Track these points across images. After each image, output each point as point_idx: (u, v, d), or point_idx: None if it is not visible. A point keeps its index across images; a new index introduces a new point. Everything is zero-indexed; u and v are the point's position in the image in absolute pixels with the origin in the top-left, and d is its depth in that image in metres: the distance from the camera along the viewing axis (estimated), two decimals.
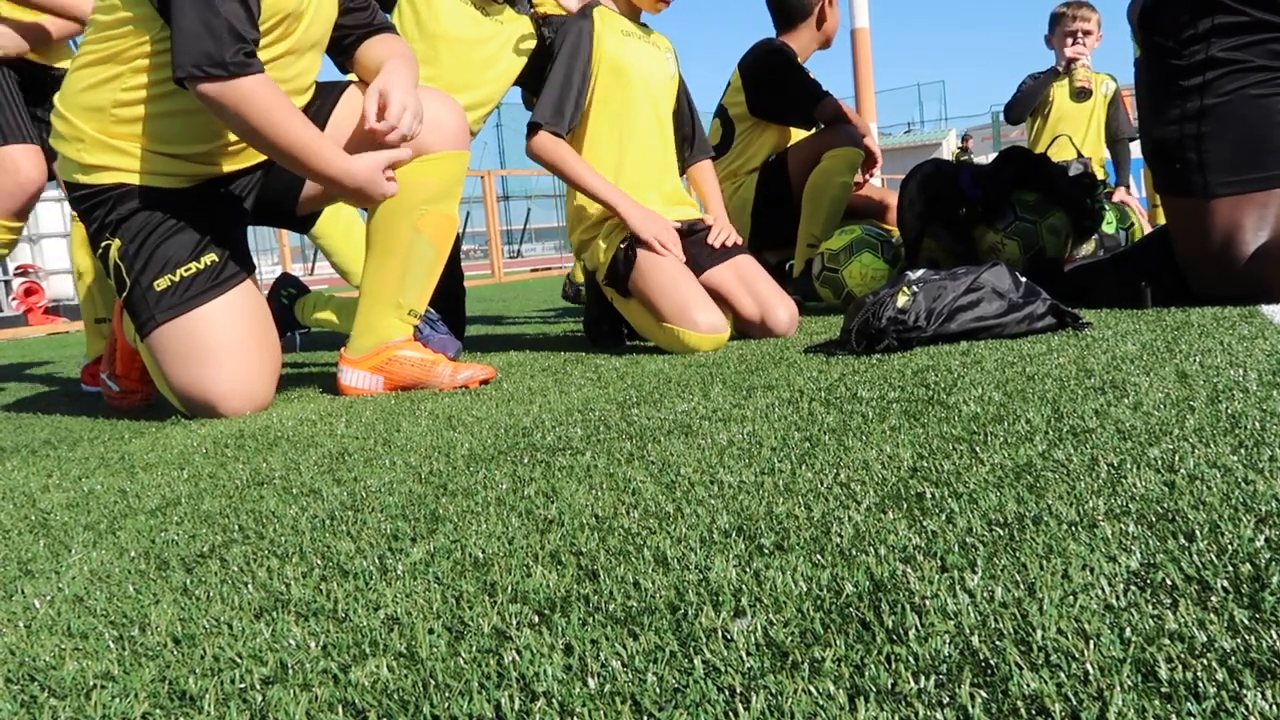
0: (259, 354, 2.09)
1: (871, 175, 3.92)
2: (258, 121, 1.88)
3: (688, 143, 2.92)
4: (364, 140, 2.08)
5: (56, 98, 2.09)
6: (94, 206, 2.07)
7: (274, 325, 2.20)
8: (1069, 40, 4.72)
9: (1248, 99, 2.28)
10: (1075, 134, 4.59)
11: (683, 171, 2.95)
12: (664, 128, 2.76)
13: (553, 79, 2.62)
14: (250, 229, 2.41)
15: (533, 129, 2.61)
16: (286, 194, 2.26)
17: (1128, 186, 4.86)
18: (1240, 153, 2.29)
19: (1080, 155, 3.84)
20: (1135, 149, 5.13)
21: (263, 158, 2.18)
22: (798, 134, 3.81)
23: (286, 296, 3.32)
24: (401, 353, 2.19)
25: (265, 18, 1.95)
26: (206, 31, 1.82)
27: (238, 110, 1.87)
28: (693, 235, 2.71)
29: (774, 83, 3.71)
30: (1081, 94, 4.66)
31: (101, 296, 3.00)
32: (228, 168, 2.15)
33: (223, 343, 2.04)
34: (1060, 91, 4.79)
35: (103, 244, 2.07)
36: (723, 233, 2.70)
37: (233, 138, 2.09)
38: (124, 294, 2.07)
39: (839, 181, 3.49)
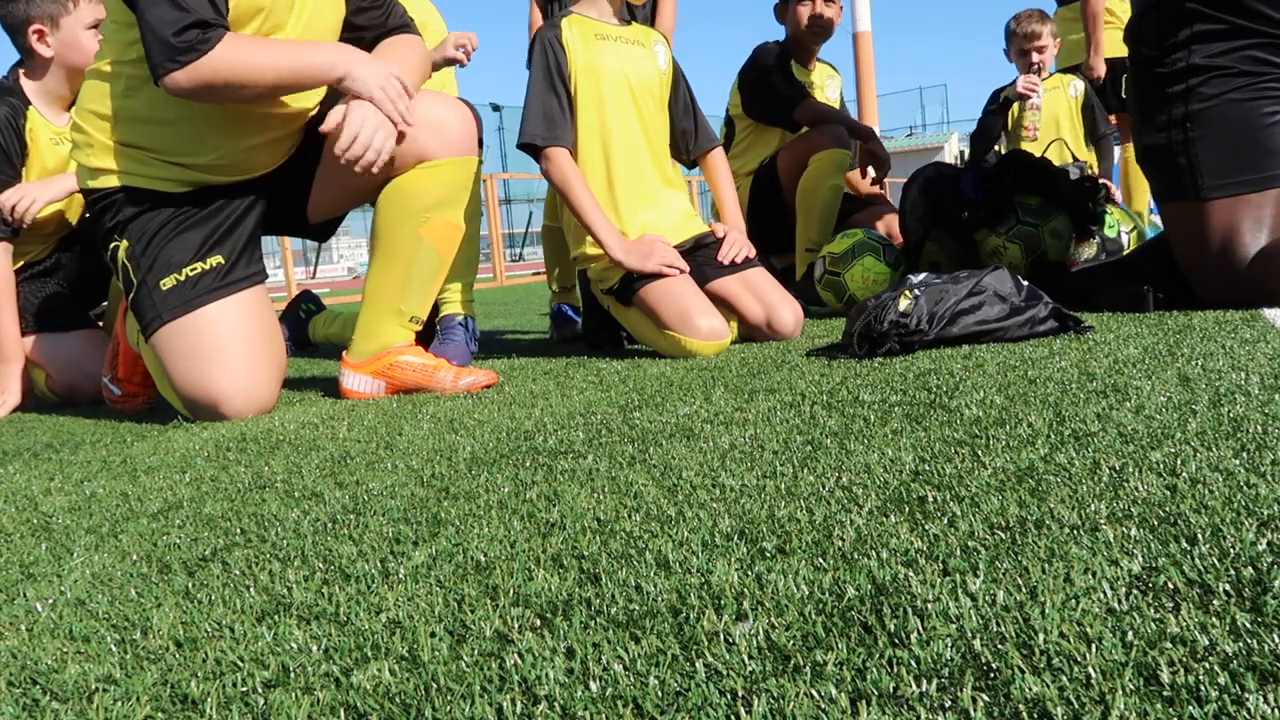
0: (263, 356, 2.09)
1: (881, 177, 3.91)
2: (243, 79, 1.88)
3: (691, 135, 2.84)
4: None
5: (73, 109, 2.11)
6: (103, 210, 2.09)
7: (280, 331, 2.20)
8: (1022, 60, 4.69)
9: (1232, 103, 2.30)
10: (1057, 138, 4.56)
11: (692, 165, 2.90)
12: (651, 129, 2.68)
13: (532, 96, 2.55)
14: None
15: (534, 150, 2.54)
16: (295, 200, 2.26)
17: (1109, 182, 4.84)
18: (1230, 155, 2.30)
19: (1076, 159, 3.82)
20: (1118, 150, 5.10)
21: (268, 169, 2.19)
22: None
23: (305, 312, 3.35)
24: (403, 358, 2.19)
25: (238, 15, 1.94)
26: (165, 25, 1.82)
27: (216, 83, 1.87)
28: (700, 250, 2.68)
29: (757, 84, 3.74)
30: (1028, 139, 4.60)
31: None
32: (232, 178, 2.16)
33: (227, 343, 2.04)
34: (1024, 112, 4.73)
35: (111, 245, 2.09)
36: (733, 248, 2.66)
37: (239, 148, 2.10)
38: (131, 294, 2.08)
39: (828, 185, 3.49)
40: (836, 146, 3.48)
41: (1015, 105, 4.63)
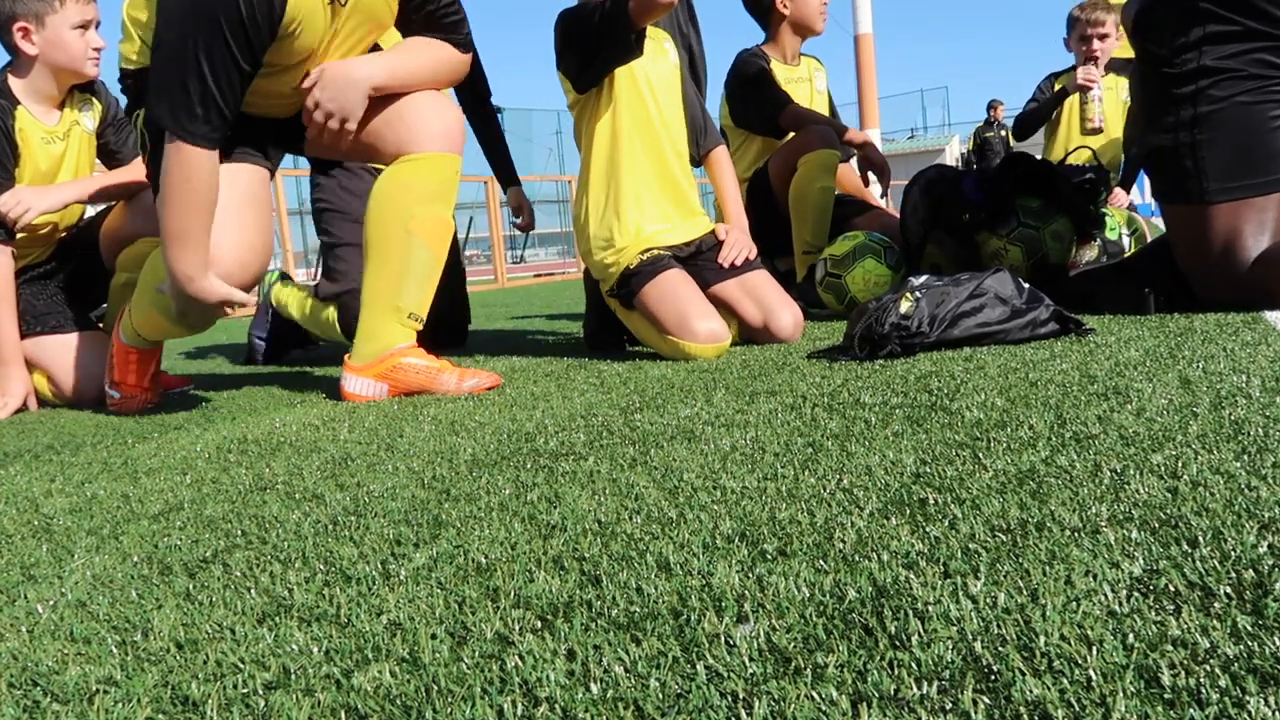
0: (255, 224, 2.12)
1: (885, 186, 3.92)
2: (169, 188, 1.94)
3: (702, 130, 2.82)
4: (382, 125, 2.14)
5: (126, 5, 2.14)
6: (137, 84, 2.12)
7: (270, 217, 2.23)
8: (1083, 48, 4.68)
9: (1240, 105, 2.29)
10: (1105, 138, 4.53)
11: (698, 163, 2.86)
12: (671, 125, 2.65)
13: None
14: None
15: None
16: (296, 133, 2.26)
17: (1127, 189, 4.83)
18: (1236, 158, 2.29)
19: (1100, 164, 3.78)
20: None
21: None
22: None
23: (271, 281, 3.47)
24: (406, 360, 2.19)
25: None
26: (172, 96, 1.89)
27: (167, 166, 1.93)
28: (700, 255, 2.67)
29: (742, 95, 3.77)
30: (1093, 132, 4.58)
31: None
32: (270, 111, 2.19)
33: (225, 201, 2.04)
34: (1073, 109, 4.71)
35: (135, 114, 2.12)
36: (733, 250, 2.66)
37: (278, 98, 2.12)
38: (149, 152, 2.08)
39: (818, 187, 3.50)
40: (824, 147, 3.49)
41: (1075, 97, 4.61)
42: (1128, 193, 4.70)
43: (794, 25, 3.81)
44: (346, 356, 2.25)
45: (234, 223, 2.08)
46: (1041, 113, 4.79)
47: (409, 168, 2.13)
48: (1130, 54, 4.81)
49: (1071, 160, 4.05)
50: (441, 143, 2.16)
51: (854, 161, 4.00)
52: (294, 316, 3.27)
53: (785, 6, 3.76)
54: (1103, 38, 4.68)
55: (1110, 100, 4.78)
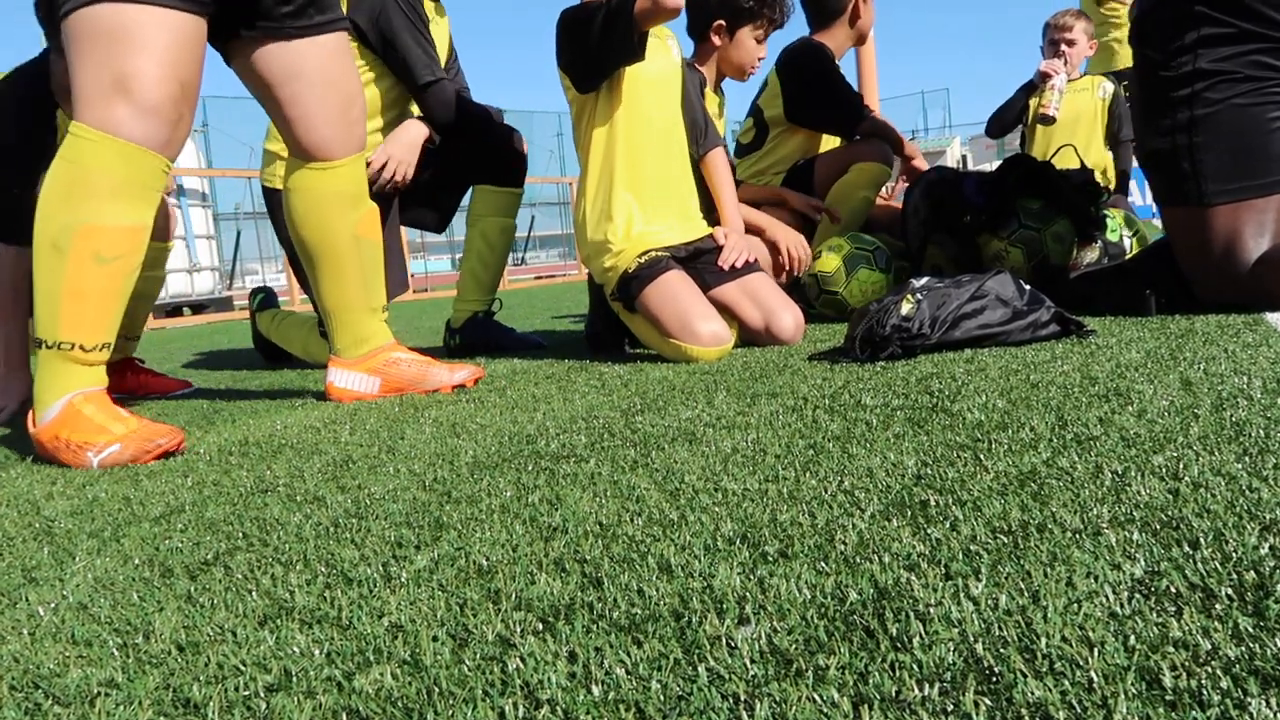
0: (190, 58, 1.83)
1: (893, 194, 3.94)
2: None
3: (702, 131, 2.80)
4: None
5: None
6: None
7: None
8: (1051, 50, 4.72)
9: (1236, 108, 2.29)
10: (1075, 138, 4.56)
11: (696, 164, 2.84)
12: (672, 125, 2.65)
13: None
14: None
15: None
16: None
17: (1125, 191, 4.83)
18: (1234, 160, 2.29)
19: (1084, 165, 3.81)
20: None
21: None
22: (828, 140, 3.82)
23: (258, 304, 3.46)
24: (396, 354, 2.25)
25: None
26: None
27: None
28: (701, 257, 2.67)
29: (816, 92, 3.70)
30: (1044, 119, 4.59)
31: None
32: None
33: (154, 31, 1.76)
34: (1044, 93, 4.75)
35: None
36: (733, 253, 2.65)
37: None
38: None
39: (861, 195, 3.50)
40: (880, 161, 3.52)
41: (1039, 84, 4.65)
42: (1122, 193, 4.72)
43: (854, 34, 3.79)
44: (331, 354, 2.26)
45: (167, 51, 1.78)
46: (1010, 105, 4.82)
47: (333, 179, 2.13)
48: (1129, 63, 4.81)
49: (1057, 162, 4.08)
50: (359, 143, 2.18)
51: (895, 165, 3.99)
52: (290, 348, 3.29)
53: (859, 11, 3.75)
54: (1070, 43, 4.71)
55: (1085, 100, 4.78)
